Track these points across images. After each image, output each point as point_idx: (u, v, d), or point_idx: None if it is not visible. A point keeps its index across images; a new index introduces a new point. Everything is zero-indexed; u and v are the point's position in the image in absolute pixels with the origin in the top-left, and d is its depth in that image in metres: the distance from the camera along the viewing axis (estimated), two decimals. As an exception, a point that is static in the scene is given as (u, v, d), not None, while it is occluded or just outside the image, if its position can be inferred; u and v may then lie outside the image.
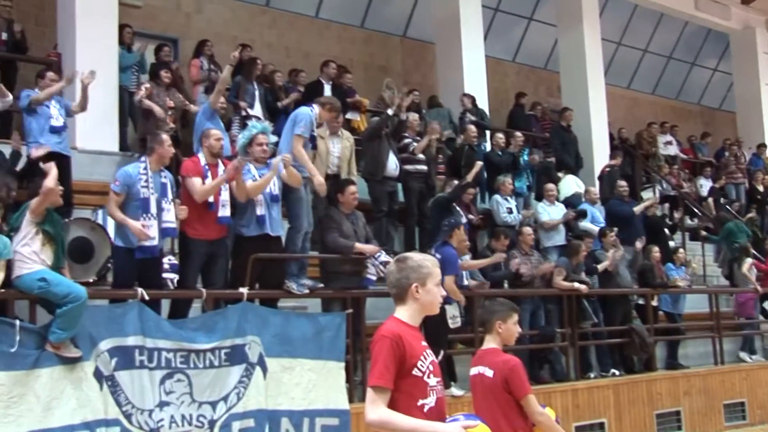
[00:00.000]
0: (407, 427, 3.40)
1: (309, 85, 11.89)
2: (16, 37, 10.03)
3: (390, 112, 10.46)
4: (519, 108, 15.39)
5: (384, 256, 7.75)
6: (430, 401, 3.51)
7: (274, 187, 7.59)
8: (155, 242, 6.82)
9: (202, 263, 7.26)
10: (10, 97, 8.32)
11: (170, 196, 7.01)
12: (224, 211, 7.25)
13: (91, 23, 9.94)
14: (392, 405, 3.44)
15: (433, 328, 6.92)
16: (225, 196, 7.25)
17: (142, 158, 7.08)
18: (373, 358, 3.50)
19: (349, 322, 7.57)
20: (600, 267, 10.44)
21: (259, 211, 7.44)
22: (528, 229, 10.24)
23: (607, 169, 13.89)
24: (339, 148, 9.88)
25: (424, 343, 3.61)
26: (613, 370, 10.16)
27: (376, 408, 3.42)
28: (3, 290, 6.09)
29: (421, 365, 3.51)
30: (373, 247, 8.03)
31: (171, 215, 6.96)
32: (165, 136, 7.14)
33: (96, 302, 6.63)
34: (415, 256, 3.67)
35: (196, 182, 7.17)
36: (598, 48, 15.99)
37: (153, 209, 6.82)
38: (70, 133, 8.80)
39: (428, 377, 3.52)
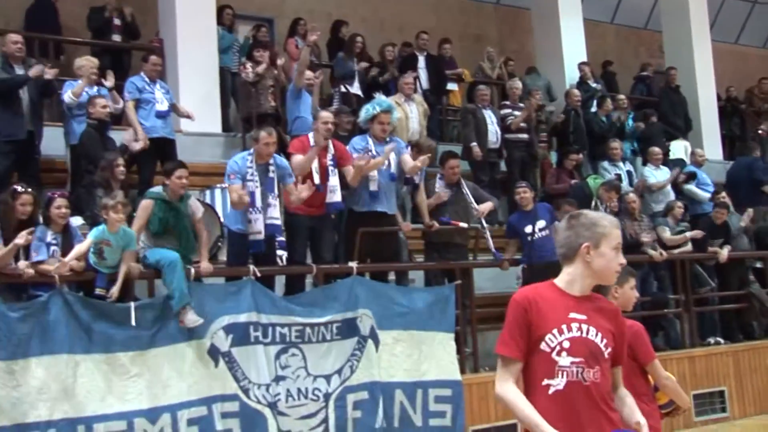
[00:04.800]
0: (523, 417, 3.04)
1: (405, 58, 11.79)
2: (128, 20, 10.33)
3: None
4: (610, 75, 14.79)
5: None
6: (557, 383, 3.05)
7: (392, 166, 7.54)
8: (261, 236, 6.77)
9: (308, 237, 7.29)
10: (122, 103, 8.52)
11: (276, 191, 6.95)
12: (332, 197, 7.19)
13: (190, 6, 10.11)
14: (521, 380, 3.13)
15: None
16: (334, 181, 7.21)
17: (251, 150, 7.01)
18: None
19: (458, 294, 7.51)
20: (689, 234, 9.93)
21: (372, 187, 7.40)
22: (632, 196, 9.83)
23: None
24: (416, 112, 9.80)
25: (575, 315, 3.11)
26: (717, 338, 9.71)
27: (501, 383, 3.10)
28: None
29: (550, 339, 3.06)
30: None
31: (276, 211, 6.92)
32: (263, 134, 6.83)
33: (210, 280, 6.76)
34: (590, 213, 3.22)
35: (297, 158, 7.19)
36: (703, 3, 15.31)
37: (258, 203, 6.77)
38: (174, 117, 8.99)
39: (558, 355, 3.05)
